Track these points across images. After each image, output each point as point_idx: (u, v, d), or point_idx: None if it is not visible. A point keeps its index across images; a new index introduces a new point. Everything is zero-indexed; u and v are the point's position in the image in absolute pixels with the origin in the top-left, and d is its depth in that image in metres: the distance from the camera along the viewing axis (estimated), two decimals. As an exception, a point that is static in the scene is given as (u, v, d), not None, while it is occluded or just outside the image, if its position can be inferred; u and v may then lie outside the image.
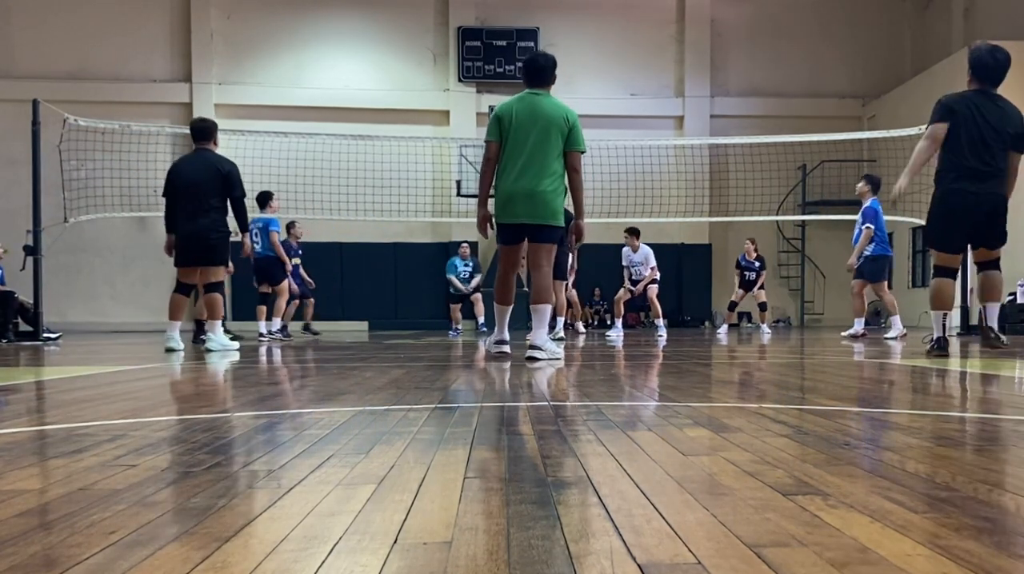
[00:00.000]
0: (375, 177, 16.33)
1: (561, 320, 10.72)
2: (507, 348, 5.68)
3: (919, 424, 2.32)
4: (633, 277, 12.60)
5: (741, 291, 13.50)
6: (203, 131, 7.41)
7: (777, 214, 17.60)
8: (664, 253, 18.38)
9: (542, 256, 5.65)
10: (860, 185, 10.41)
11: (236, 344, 7.64)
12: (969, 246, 5.88)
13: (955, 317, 14.51)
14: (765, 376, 4.44)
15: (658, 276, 12.64)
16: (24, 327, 10.97)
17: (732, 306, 13.85)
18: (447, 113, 19.07)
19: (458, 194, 17.72)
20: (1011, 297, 13.89)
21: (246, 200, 7.53)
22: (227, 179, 7.22)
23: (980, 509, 1.30)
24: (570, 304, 12.31)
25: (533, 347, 5.42)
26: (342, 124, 17.60)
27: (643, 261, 12.53)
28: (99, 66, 18.37)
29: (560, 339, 9.76)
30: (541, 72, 5.61)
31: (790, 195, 18.92)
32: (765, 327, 13.41)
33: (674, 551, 1.06)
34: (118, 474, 1.61)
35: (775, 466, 1.66)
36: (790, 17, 19.89)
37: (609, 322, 16.28)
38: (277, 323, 11.04)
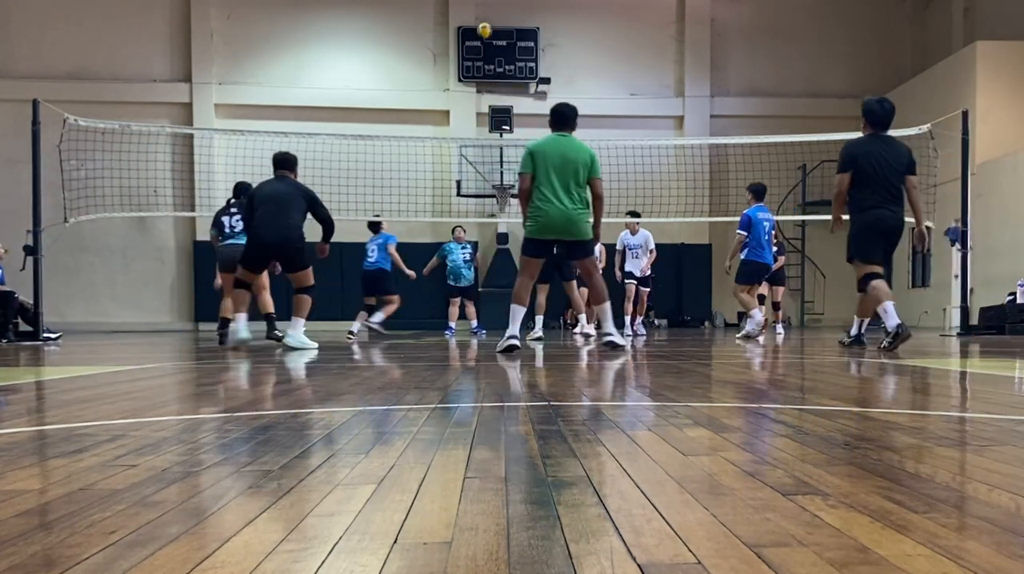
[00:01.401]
0: (375, 177, 16.34)
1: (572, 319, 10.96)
2: (517, 342, 6.42)
3: (919, 424, 2.32)
4: (627, 262, 12.62)
5: (765, 283, 13.04)
6: (285, 161, 8.05)
7: (777, 214, 17.59)
8: (664, 253, 18.38)
9: (589, 266, 6.78)
10: (750, 198, 10.88)
11: (314, 343, 7.91)
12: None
13: (955, 316, 14.53)
14: (765, 376, 4.44)
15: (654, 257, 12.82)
16: (24, 327, 10.97)
17: (761, 299, 13.12)
18: (447, 113, 19.07)
19: (458, 194, 17.71)
20: (1011, 297, 13.88)
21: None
22: (311, 198, 7.84)
23: (980, 509, 1.30)
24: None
25: (607, 334, 6.78)
26: (342, 124, 17.61)
27: (643, 243, 12.61)
28: (99, 66, 18.37)
29: (539, 339, 9.89)
30: (567, 119, 6.69)
31: (790, 195, 18.93)
32: (779, 327, 12.74)
33: (674, 551, 1.06)
34: (118, 474, 1.61)
35: (775, 466, 1.66)
36: (790, 17, 19.90)
37: None
38: (379, 317, 11.56)
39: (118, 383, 4.02)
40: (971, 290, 13.05)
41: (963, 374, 4.53)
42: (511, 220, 16.52)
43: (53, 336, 10.64)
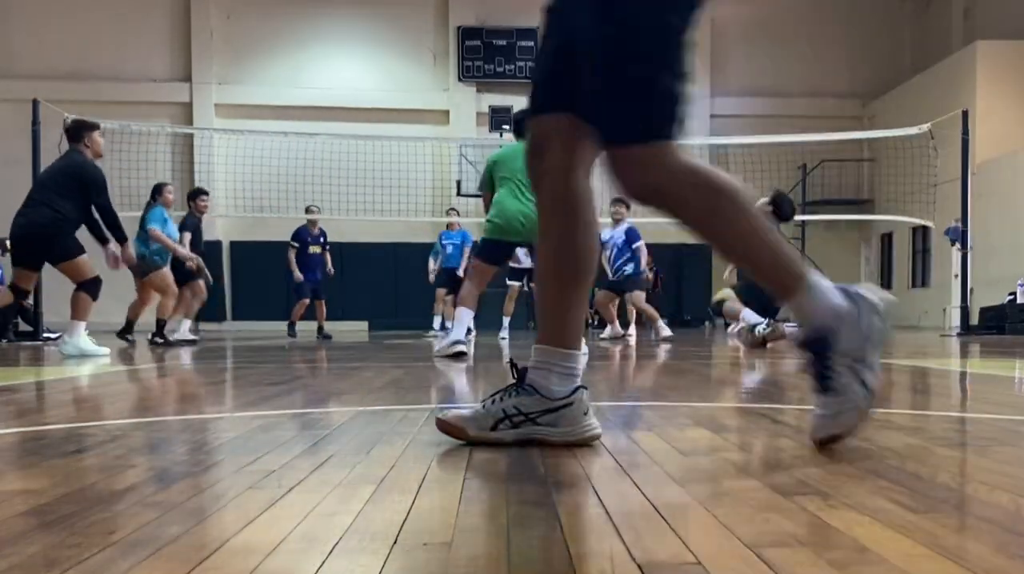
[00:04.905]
0: (375, 177, 16.34)
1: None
2: (465, 347, 5.93)
3: (919, 424, 2.32)
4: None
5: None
6: (68, 130, 7.00)
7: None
8: (664, 253, 18.39)
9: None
10: (620, 208, 10.08)
11: (103, 350, 6.65)
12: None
13: (955, 316, 14.53)
14: (765, 376, 4.43)
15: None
16: (24, 327, 10.96)
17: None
18: (447, 113, 19.07)
19: (458, 194, 17.70)
20: (1011, 297, 13.88)
21: None
22: (82, 178, 6.69)
23: (980, 509, 1.30)
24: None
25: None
26: (342, 124, 17.61)
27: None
28: (99, 66, 18.37)
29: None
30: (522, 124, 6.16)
31: (790, 195, 18.92)
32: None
33: (674, 551, 1.06)
34: (118, 474, 1.61)
35: (775, 466, 1.66)
36: (790, 17, 19.90)
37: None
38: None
39: (118, 383, 4.02)
40: (971, 290, 13.05)
41: (963, 374, 4.53)
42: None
43: (53, 336, 10.63)
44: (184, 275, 9.69)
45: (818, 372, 1.75)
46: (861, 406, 1.74)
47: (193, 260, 9.55)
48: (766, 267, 1.79)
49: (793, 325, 7.74)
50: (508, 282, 11.31)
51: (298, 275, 11.88)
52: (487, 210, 6.16)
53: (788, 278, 1.77)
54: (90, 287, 6.74)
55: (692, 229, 1.83)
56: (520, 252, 10.64)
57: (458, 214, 13.28)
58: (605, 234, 10.81)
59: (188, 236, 10.13)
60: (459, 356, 5.80)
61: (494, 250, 6.08)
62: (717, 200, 1.78)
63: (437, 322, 12.59)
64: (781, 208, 7.80)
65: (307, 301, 11.92)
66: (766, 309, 7.53)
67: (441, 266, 12.60)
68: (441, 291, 12.60)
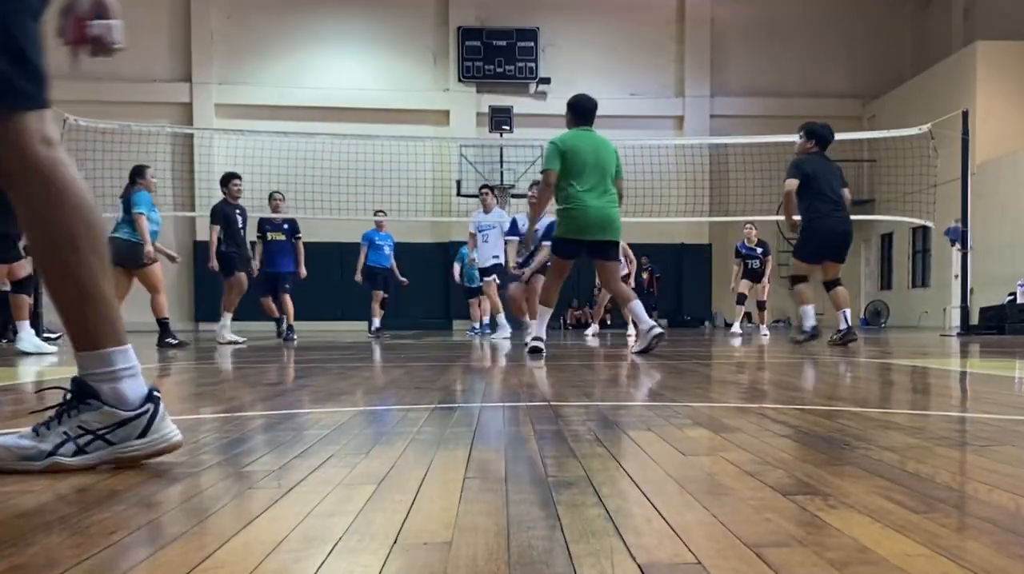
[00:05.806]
0: (375, 177, 16.34)
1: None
2: (542, 345, 6.18)
3: (919, 424, 2.32)
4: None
5: (747, 282, 12.71)
6: None
7: (777, 214, 17.57)
8: (664, 253, 18.42)
9: (615, 272, 6.46)
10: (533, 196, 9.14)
11: (51, 348, 6.97)
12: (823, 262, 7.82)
13: (955, 316, 14.53)
14: (765, 376, 4.43)
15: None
16: (24, 327, 10.93)
17: (741, 299, 12.83)
18: (447, 113, 19.07)
19: (458, 194, 17.72)
20: (1011, 297, 13.88)
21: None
22: None
23: (980, 509, 1.30)
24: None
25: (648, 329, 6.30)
26: (342, 124, 17.62)
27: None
28: (99, 66, 18.29)
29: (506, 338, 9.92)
30: (590, 113, 6.30)
31: (790, 195, 18.93)
32: (764, 329, 13.05)
33: (674, 551, 1.06)
34: (118, 474, 1.61)
35: (775, 466, 1.66)
36: (790, 17, 19.91)
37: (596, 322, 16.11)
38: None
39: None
40: (971, 290, 13.06)
41: (963, 374, 4.53)
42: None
43: (53, 336, 10.62)
44: (228, 269, 9.52)
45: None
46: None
47: (154, 260, 8.43)
48: (89, 317, 1.68)
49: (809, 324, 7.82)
50: (483, 280, 11.41)
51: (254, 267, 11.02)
52: (545, 192, 6.22)
53: (105, 336, 1.71)
54: (22, 286, 7.03)
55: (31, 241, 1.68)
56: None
57: (385, 215, 13.26)
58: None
59: (217, 230, 9.57)
60: (535, 352, 5.99)
61: (568, 247, 6.22)
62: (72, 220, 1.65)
63: (377, 323, 12.54)
64: (820, 136, 7.78)
65: (269, 298, 10.69)
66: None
67: (376, 265, 12.50)
68: (379, 292, 12.59)
